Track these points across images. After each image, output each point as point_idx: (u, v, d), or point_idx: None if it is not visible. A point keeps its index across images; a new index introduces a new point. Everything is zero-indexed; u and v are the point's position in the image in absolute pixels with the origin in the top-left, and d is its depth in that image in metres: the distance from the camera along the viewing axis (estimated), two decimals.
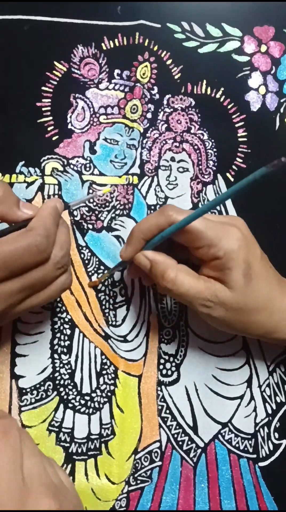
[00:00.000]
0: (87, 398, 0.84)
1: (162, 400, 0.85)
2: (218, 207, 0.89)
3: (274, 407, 0.88)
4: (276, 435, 0.87)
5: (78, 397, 0.84)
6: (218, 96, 0.91)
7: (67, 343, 0.84)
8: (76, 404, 0.84)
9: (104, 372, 0.85)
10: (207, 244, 0.73)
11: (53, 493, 0.61)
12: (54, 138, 0.87)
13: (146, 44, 0.88)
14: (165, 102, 0.89)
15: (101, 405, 0.84)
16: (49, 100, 0.87)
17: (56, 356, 0.84)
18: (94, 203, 0.86)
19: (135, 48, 0.88)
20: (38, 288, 0.72)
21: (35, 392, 0.83)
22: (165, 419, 0.85)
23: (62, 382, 0.84)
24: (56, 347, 0.84)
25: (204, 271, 0.77)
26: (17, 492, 0.59)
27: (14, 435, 0.63)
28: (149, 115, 0.89)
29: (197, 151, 0.90)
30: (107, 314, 0.86)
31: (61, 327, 0.85)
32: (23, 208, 0.73)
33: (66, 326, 0.85)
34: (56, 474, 0.66)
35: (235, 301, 0.75)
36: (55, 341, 0.84)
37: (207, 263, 0.76)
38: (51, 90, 0.87)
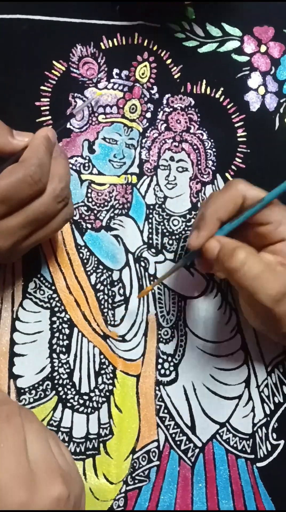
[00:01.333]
0: (86, 397, 0.84)
1: (160, 399, 0.85)
2: None
3: (272, 408, 0.88)
4: (274, 435, 0.87)
5: (76, 397, 0.84)
6: (217, 96, 0.91)
7: (65, 342, 0.85)
8: (75, 403, 0.84)
9: (102, 371, 0.85)
10: (277, 220, 0.73)
11: (61, 477, 0.60)
12: None
13: (145, 44, 0.88)
14: (164, 101, 0.89)
15: (99, 405, 0.84)
16: (48, 99, 0.87)
17: (54, 355, 0.84)
18: (93, 203, 0.86)
19: (134, 48, 0.88)
20: (42, 222, 0.72)
21: (33, 391, 0.83)
22: (163, 418, 0.85)
23: (60, 381, 0.84)
24: (54, 346, 0.84)
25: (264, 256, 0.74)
26: (24, 479, 0.58)
27: (16, 420, 0.62)
28: (148, 115, 0.89)
29: (196, 151, 0.90)
30: (106, 314, 0.86)
31: (60, 327, 0.85)
32: (17, 136, 0.73)
33: (65, 325, 0.85)
34: (62, 454, 0.65)
35: None
36: (54, 341, 0.84)
37: (270, 245, 0.74)
38: (49, 89, 0.87)
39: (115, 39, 0.88)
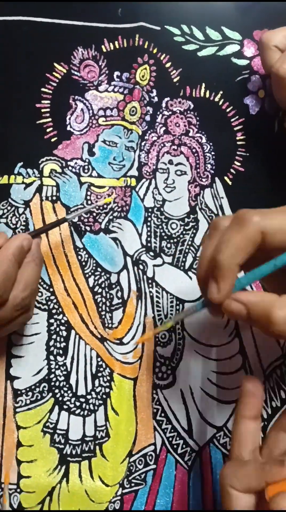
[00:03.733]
0: (82, 400, 0.84)
1: (157, 403, 0.85)
2: (214, 211, 0.89)
3: (270, 412, 0.87)
4: None
5: (73, 399, 0.84)
6: (216, 99, 0.91)
7: (63, 344, 0.84)
8: (71, 406, 0.84)
9: (99, 374, 0.84)
10: None
11: None
12: (53, 140, 0.87)
13: (145, 46, 0.88)
14: (163, 105, 0.89)
15: (96, 407, 0.84)
16: (49, 101, 0.87)
17: (52, 357, 0.84)
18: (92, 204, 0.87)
19: (135, 50, 0.88)
20: None
21: (30, 393, 0.83)
22: (160, 422, 0.85)
23: (57, 383, 0.84)
24: (52, 348, 0.84)
25: None
26: None
27: None
28: (147, 118, 0.89)
29: (195, 154, 0.90)
30: (103, 316, 0.85)
31: (57, 329, 0.85)
32: None
33: (62, 327, 0.85)
34: None
35: None
36: (51, 343, 0.84)
37: None
38: (50, 91, 0.87)
39: (116, 42, 0.88)
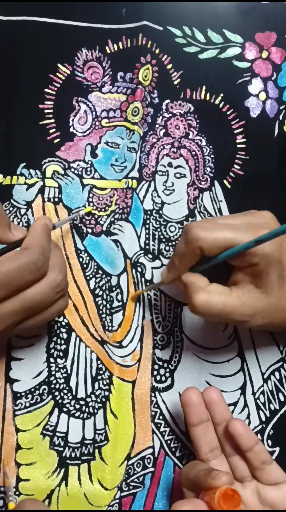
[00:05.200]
0: (82, 402, 0.84)
1: (156, 406, 0.85)
2: (213, 214, 0.89)
3: (268, 415, 0.88)
4: (270, 442, 0.87)
5: (73, 402, 0.83)
6: (217, 102, 0.91)
7: (63, 347, 0.84)
8: (71, 408, 0.83)
9: (99, 377, 0.84)
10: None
11: None
12: (55, 141, 0.87)
13: (149, 46, 0.88)
14: (164, 107, 0.89)
15: (95, 410, 0.84)
16: (52, 102, 0.86)
17: (52, 360, 0.84)
18: (94, 207, 0.86)
19: (138, 49, 0.88)
20: (37, 310, 0.73)
21: (30, 396, 0.83)
22: (159, 425, 0.85)
23: (57, 386, 0.83)
24: (52, 351, 0.84)
25: (237, 276, 0.76)
26: None
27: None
28: (148, 119, 0.88)
29: (195, 157, 0.90)
30: (104, 319, 0.85)
31: (58, 331, 0.84)
32: (14, 230, 0.75)
33: (63, 330, 0.84)
34: None
35: (273, 306, 0.74)
36: (51, 345, 0.84)
37: (240, 269, 0.75)
38: (54, 92, 0.87)
39: (120, 43, 0.88)
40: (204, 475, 0.71)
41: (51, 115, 0.86)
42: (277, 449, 0.87)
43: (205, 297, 0.73)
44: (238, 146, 0.91)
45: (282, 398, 0.88)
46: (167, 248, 0.88)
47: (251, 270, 0.73)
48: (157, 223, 0.88)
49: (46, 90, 0.86)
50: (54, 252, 0.75)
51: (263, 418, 0.87)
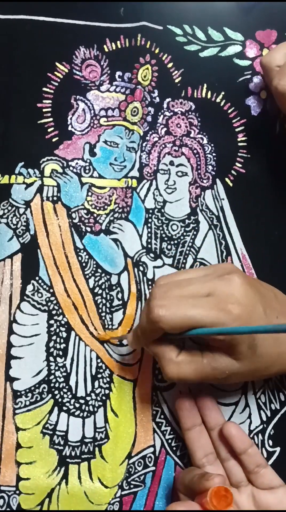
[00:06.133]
0: (82, 401, 0.84)
1: (157, 405, 0.85)
2: (215, 213, 0.89)
3: (269, 415, 0.87)
4: (270, 442, 0.86)
5: (72, 400, 0.83)
6: (218, 100, 0.91)
7: (63, 346, 0.84)
8: (71, 407, 0.83)
9: (99, 375, 0.84)
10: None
11: None
12: (54, 140, 0.87)
13: (147, 46, 0.88)
14: (165, 105, 0.89)
15: (95, 409, 0.84)
16: (50, 101, 0.87)
17: (51, 358, 0.84)
18: (93, 206, 0.86)
19: (137, 50, 0.88)
20: None
21: (29, 394, 0.83)
22: (160, 424, 0.85)
23: (57, 385, 0.83)
24: (51, 349, 0.84)
25: (209, 342, 0.73)
26: None
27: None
28: (149, 118, 0.88)
29: (196, 156, 0.90)
30: (103, 318, 0.85)
31: (57, 330, 0.84)
32: None
33: (62, 329, 0.84)
34: None
35: (245, 369, 0.73)
36: (51, 344, 0.84)
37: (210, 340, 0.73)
38: (52, 91, 0.87)
39: (118, 42, 0.88)
40: (198, 478, 0.72)
41: (49, 114, 0.87)
42: (278, 449, 0.86)
43: (175, 370, 0.72)
44: (240, 144, 0.91)
45: (282, 398, 0.88)
46: (169, 247, 0.88)
47: (219, 342, 0.71)
48: (159, 221, 0.88)
49: (44, 88, 0.87)
50: None
51: (264, 418, 0.87)
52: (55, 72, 0.87)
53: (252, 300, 0.72)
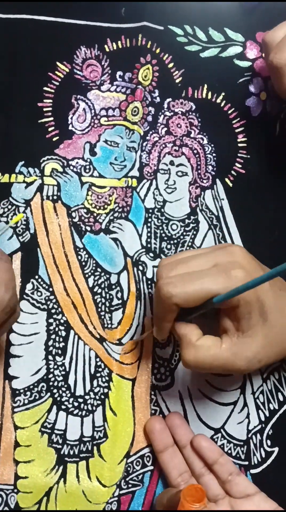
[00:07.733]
0: (81, 400, 0.84)
1: (156, 404, 0.85)
2: (215, 213, 0.89)
3: (267, 414, 0.87)
4: (269, 442, 0.87)
5: (71, 399, 0.84)
6: (218, 101, 0.91)
7: (62, 344, 0.84)
8: (69, 406, 0.83)
9: (98, 374, 0.84)
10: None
11: None
12: (54, 139, 0.87)
13: (148, 46, 0.88)
14: (165, 105, 0.89)
15: (94, 408, 0.84)
16: (51, 100, 0.87)
17: (50, 357, 0.84)
18: (93, 205, 0.86)
19: (137, 49, 0.88)
20: None
21: (28, 393, 0.83)
22: None
23: (56, 383, 0.83)
24: (50, 348, 0.84)
25: (225, 322, 0.74)
26: None
27: None
28: (149, 118, 0.88)
29: (197, 156, 0.90)
30: (103, 317, 0.85)
31: (56, 329, 0.84)
32: None
33: (61, 327, 0.84)
34: None
35: (261, 348, 0.73)
36: (50, 343, 0.84)
37: (225, 313, 0.73)
38: (52, 90, 0.87)
39: (119, 42, 0.88)
40: (173, 495, 0.74)
41: (49, 113, 0.87)
42: (276, 449, 0.87)
43: (193, 353, 0.72)
44: (240, 145, 0.91)
45: (281, 398, 0.88)
46: (168, 246, 0.88)
47: (234, 314, 0.71)
48: (159, 221, 0.88)
49: (45, 88, 0.86)
50: (0, 266, 0.72)
51: (263, 418, 0.87)
52: (56, 72, 0.87)
53: (255, 267, 0.74)
